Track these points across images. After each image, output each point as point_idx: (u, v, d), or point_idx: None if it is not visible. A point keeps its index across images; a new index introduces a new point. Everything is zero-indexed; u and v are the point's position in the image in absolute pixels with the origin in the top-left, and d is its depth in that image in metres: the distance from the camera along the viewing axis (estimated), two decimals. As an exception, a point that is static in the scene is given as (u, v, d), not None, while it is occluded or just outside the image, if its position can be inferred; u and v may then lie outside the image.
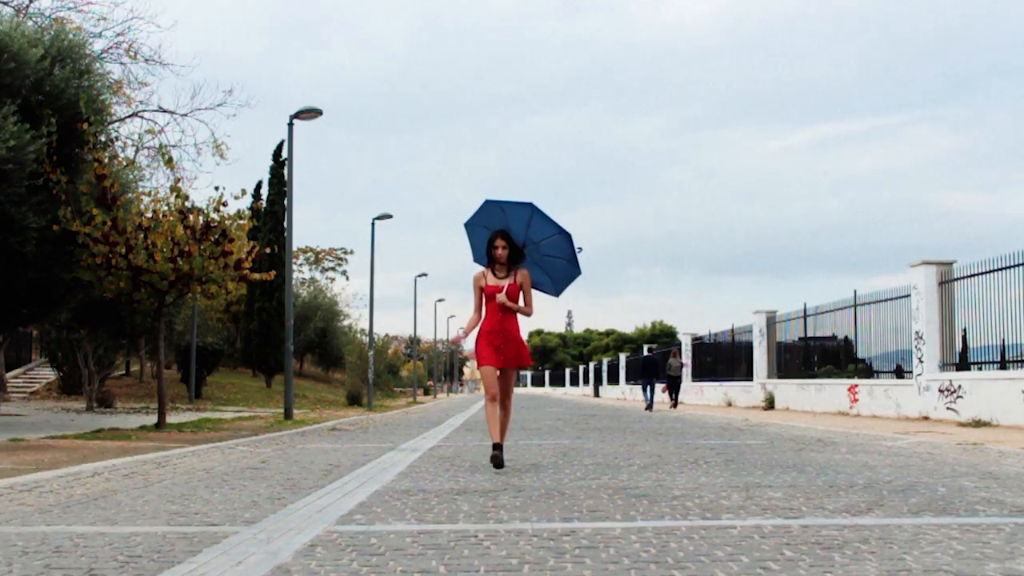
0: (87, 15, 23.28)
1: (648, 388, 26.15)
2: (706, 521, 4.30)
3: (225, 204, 13.77)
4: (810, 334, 24.00)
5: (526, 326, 8.34)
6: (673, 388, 27.12)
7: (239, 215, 14.12)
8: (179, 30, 77.79)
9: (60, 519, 4.54)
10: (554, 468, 7.11)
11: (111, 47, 22.01)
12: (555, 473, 6.71)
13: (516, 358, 7.09)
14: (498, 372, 7.04)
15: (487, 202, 7.31)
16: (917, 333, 17.27)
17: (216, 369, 31.49)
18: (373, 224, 31.00)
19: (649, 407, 25.31)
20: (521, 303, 7.10)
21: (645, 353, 41.02)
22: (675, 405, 26.82)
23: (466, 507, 4.84)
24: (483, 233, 7.33)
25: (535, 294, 7.31)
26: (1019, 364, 14.79)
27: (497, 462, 6.86)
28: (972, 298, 16.10)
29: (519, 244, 7.20)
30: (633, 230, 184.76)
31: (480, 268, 7.30)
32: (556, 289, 7.77)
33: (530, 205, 7.19)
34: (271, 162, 39.69)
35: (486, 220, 7.32)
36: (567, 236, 7.38)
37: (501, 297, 6.97)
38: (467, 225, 7.51)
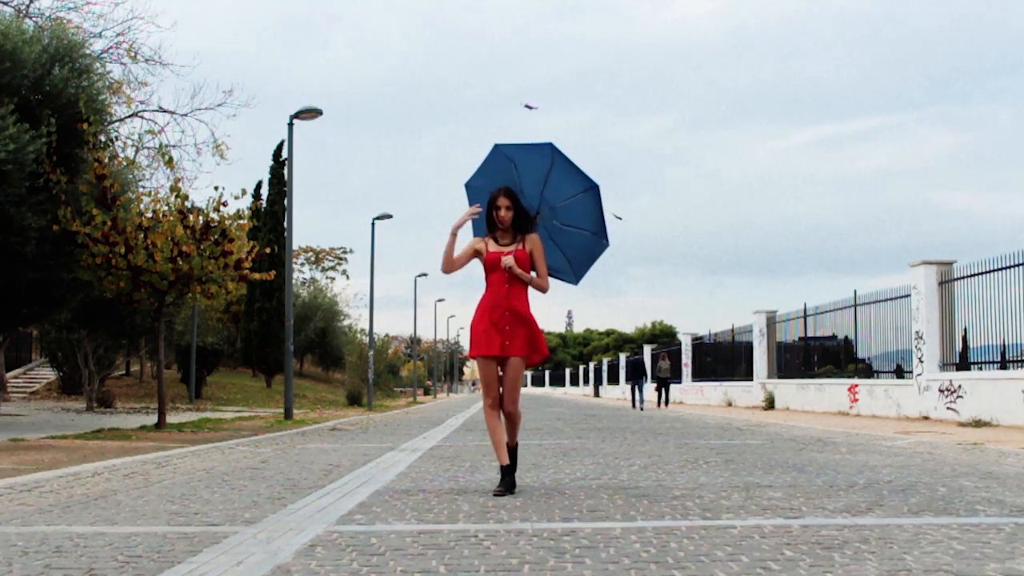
0: (87, 15, 23.33)
1: (636, 388, 26.96)
2: (706, 521, 4.30)
3: (225, 204, 13.78)
4: (810, 334, 24.01)
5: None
6: (662, 388, 28.08)
7: (239, 215, 14.12)
8: (179, 30, 77.89)
9: (60, 519, 4.54)
10: (554, 468, 7.11)
11: (111, 47, 22.02)
12: (555, 473, 6.71)
13: (525, 345, 5.42)
14: (498, 366, 5.49)
15: (496, 148, 5.68)
16: (917, 333, 17.27)
17: (216, 369, 31.51)
18: (373, 224, 31.03)
19: (637, 406, 26.10)
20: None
21: (647, 353, 41.31)
22: (665, 405, 27.54)
23: (466, 507, 4.84)
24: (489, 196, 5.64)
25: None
26: (1019, 364, 14.79)
27: (508, 489, 5.40)
28: (972, 298, 16.11)
29: (531, 209, 5.68)
30: (634, 230, 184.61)
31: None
32: (576, 274, 5.99)
33: (549, 147, 5.60)
34: (271, 162, 39.74)
35: (493, 177, 5.69)
36: (595, 192, 5.70)
37: (509, 260, 5.40)
38: (469, 186, 5.83)
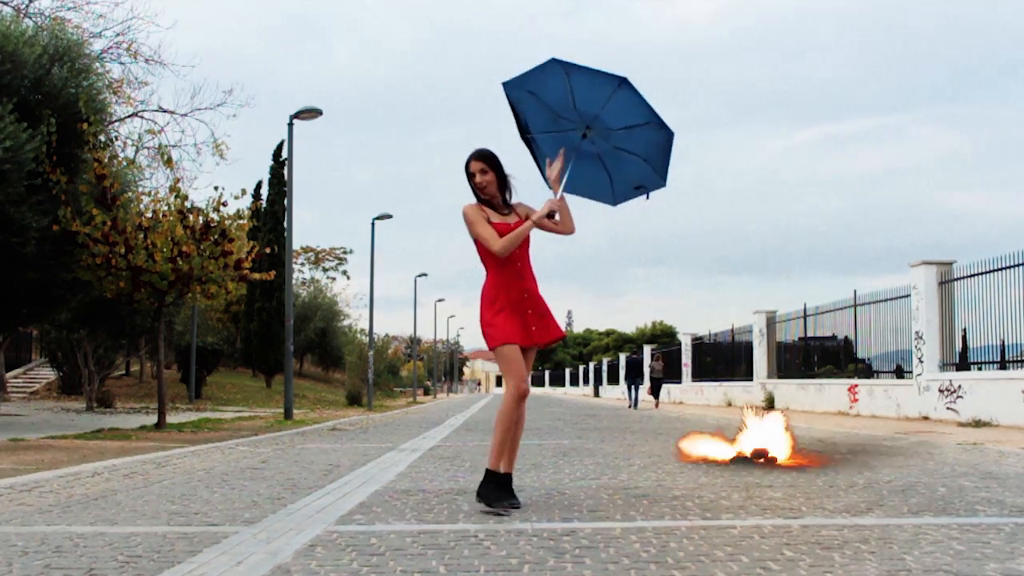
0: (87, 15, 23.33)
1: (633, 388, 27.50)
2: (706, 521, 4.30)
3: (225, 204, 13.78)
4: (810, 334, 24.02)
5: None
6: (655, 389, 28.54)
7: (239, 215, 14.13)
8: (179, 30, 77.88)
9: (60, 519, 4.53)
10: (554, 468, 7.10)
11: (111, 47, 22.03)
12: (555, 473, 6.70)
13: (551, 329, 4.80)
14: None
15: (552, 62, 4.78)
16: (917, 333, 17.27)
17: (216, 369, 31.51)
18: (373, 224, 31.04)
19: (633, 406, 26.62)
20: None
21: (647, 353, 41.43)
22: (657, 404, 27.83)
23: (466, 507, 4.84)
24: (532, 107, 5.02)
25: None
26: (1019, 364, 14.79)
27: (510, 502, 4.69)
28: (972, 298, 16.11)
29: (580, 125, 5.01)
30: (634, 230, 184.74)
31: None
32: (616, 195, 5.35)
33: (619, 80, 4.78)
34: (271, 162, 39.74)
35: (540, 87, 4.92)
36: (666, 133, 4.96)
37: (553, 204, 4.72)
38: (508, 86, 4.95)
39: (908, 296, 17.84)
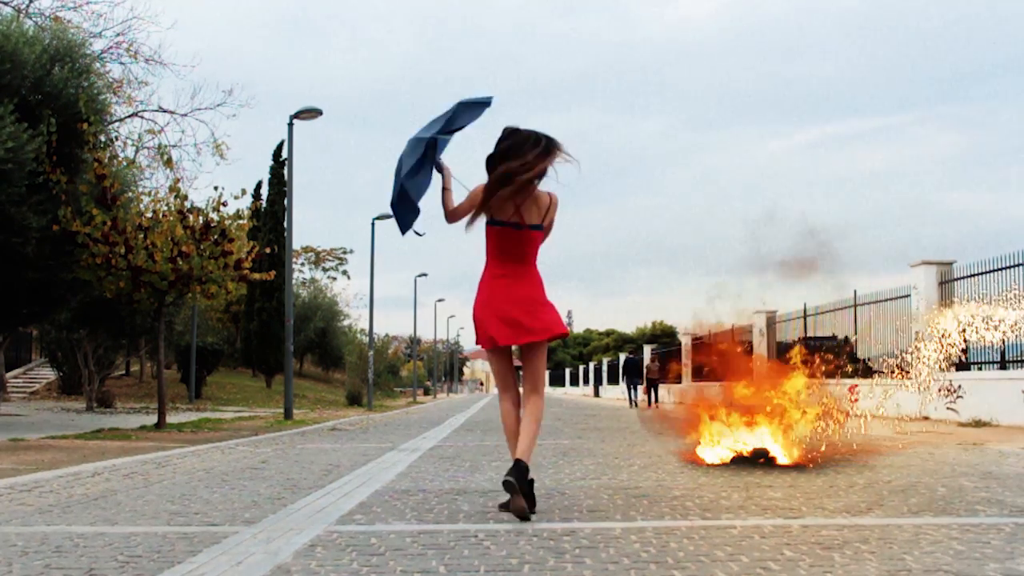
0: (87, 15, 23.36)
1: (632, 388, 28.00)
2: (706, 521, 4.30)
3: (225, 204, 13.79)
4: (810, 334, 24.00)
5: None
6: (652, 390, 28.79)
7: (239, 215, 14.13)
8: (179, 30, 77.90)
9: (60, 519, 4.53)
10: (554, 468, 7.10)
11: (111, 47, 22.05)
12: (555, 473, 6.70)
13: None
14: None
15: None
16: (917, 333, 17.25)
17: (216, 369, 31.52)
18: (373, 224, 31.07)
19: (633, 405, 27.17)
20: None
21: (647, 353, 41.55)
22: (654, 404, 28.04)
23: (466, 507, 4.84)
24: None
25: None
26: (1019, 364, 14.79)
27: (522, 507, 4.26)
28: (972, 298, 16.10)
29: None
30: (635, 230, 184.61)
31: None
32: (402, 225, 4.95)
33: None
34: (271, 162, 39.75)
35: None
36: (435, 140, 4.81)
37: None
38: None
39: (908, 296, 17.84)
